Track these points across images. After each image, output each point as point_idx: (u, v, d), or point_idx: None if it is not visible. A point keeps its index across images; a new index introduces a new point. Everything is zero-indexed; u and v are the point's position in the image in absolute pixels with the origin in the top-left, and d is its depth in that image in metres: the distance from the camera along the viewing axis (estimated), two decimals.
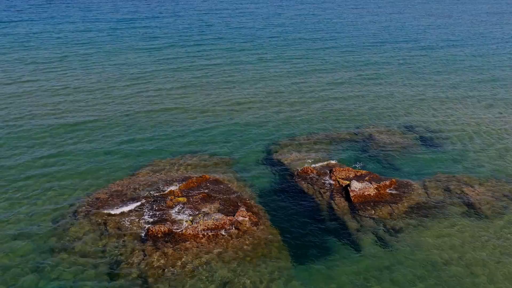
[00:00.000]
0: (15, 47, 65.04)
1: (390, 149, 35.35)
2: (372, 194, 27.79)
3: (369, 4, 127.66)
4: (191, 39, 74.09)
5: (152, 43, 70.92)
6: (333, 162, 32.55)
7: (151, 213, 25.61)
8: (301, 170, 30.99)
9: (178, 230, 23.77)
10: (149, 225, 24.40)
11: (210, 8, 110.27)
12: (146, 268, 21.48)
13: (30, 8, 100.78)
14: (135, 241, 23.44)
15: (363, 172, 30.53)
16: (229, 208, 26.11)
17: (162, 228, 23.70)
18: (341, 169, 30.61)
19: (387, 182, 28.89)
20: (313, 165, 31.80)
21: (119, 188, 28.41)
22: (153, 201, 26.82)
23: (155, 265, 21.61)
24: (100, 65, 57.56)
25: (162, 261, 21.86)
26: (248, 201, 27.16)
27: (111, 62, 59.13)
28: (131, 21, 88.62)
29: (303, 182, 29.75)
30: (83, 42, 69.61)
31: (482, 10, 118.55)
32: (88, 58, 60.86)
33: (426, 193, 28.64)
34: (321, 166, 31.84)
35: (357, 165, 32.30)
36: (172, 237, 23.33)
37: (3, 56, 60.04)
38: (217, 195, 27.65)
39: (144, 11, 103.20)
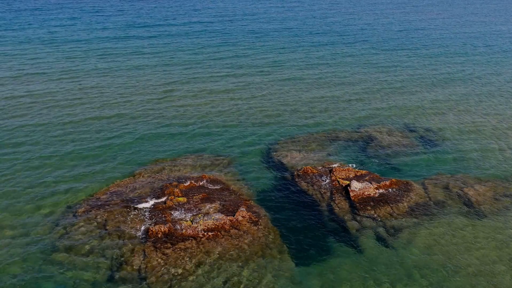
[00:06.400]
0: (26, 52, 65.04)
1: (390, 149, 35.35)
2: (372, 194, 27.78)
3: (376, 5, 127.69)
4: (197, 42, 74.07)
5: (156, 44, 70.94)
6: (333, 162, 32.55)
7: (151, 213, 25.59)
8: (301, 170, 30.97)
9: (178, 230, 23.75)
10: (149, 225, 24.39)
11: (215, 12, 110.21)
12: (146, 268, 21.46)
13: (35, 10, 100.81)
14: (135, 241, 23.44)
15: (363, 172, 30.52)
16: (229, 208, 26.09)
17: (162, 228, 23.68)
18: (341, 169, 30.61)
19: (387, 182, 28.88)
20: (313, 165, 31.78)
21: (119, 188, 28.40)
22: (153, 201, 26.81)
23: (155, 265, 21.60)
24: (103, 66, 57.57)
25: (162, 261, 21.85)
26: (248, 201, 27.14)
27: (113, 63, 59.14)
28: (140, 25, 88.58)
29: (303, 182, 29.74)
30: (91, 44, 69.67)
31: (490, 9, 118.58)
32: (91, 59, 60.87)
33: (426, 193, 28.62)
34: (321, 166, 31.83)
35: (357, 165, 32.29)
36: (172, 237, 23.31)
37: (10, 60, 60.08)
38: (217, 195, 27.63)
39: (154, 14, 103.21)
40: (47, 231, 24.40)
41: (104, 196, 27.36)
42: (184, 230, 23.71)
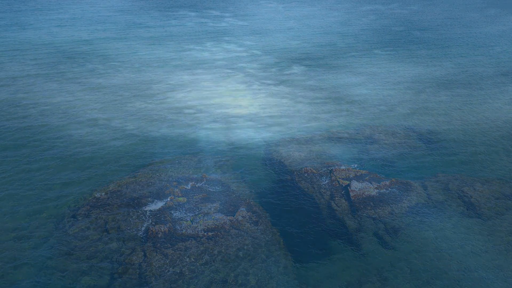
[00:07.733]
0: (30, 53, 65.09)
1: (390, 149, 35.36)
2: (372, 194, 27.80)
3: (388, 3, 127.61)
4: (198, 43, 74.07)
5: (157, 45, 70.98)
6: (333, 162, 32.55)
7: (151, 213, 25.63)
8: (301, 170, 30.99)
9: (178, 230, 23.79)
10: (149, 225, 24.42)
11: (216, 12, 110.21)
12: (146, 268, 21.50)
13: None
14: (135, 241, 23.48)
15: (363, 172, 30.54)
16: (229, 208, 26.13)
17: (162, 228, 23.72)
18: (341, 169, 30.63)
19: (387, 182, 28.90)
20: (313, 165, 31.80)
21: (119, 188, 28.43)
22: (153, 201, 26.85)
23: (155, 265, 21.63)
24: (104, 67, 57.62)
25: (162, 261, 21.88)
26: (248, 201, 27.17)
27: (114, 63, 59.20)
28: (140, 25, 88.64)
29: (303, 182, 29.77)
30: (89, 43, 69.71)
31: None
32: (92, 60, 60.92)
33: (426, 193, 28.64)
34: (321, 166, 31.85)
35: (357, 165, 32.31)
36: (172, 237, 23.34)
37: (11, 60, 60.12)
38: (217, 195, 27.67)
39: (155, 14, 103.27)
40: (47, 231, 24.44)
41: (105, 197, 27.41)
42: (184, 230, 23.75)
